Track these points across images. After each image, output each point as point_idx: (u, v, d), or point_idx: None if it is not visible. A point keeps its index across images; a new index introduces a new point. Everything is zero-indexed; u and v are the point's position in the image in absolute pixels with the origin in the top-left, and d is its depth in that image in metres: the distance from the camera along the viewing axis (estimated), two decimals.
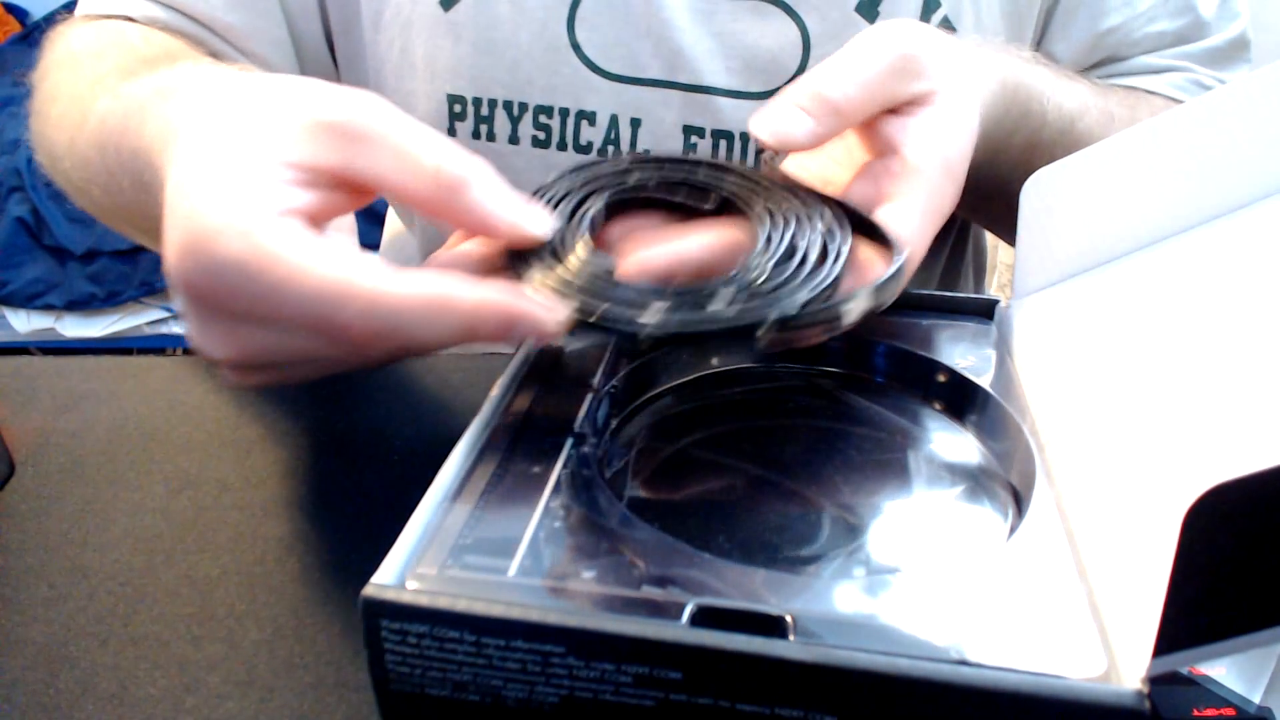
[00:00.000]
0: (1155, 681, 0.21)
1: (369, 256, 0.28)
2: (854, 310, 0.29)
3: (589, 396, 0.32)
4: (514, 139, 0.54)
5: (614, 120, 0.53)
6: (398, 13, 0.53)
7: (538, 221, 0.31)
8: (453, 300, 0.27)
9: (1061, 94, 0.46)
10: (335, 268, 0.27)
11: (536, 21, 0.52)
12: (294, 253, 0.27)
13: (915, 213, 0.33)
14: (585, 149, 0.54)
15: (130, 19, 0.52)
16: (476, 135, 0.54)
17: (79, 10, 0.54)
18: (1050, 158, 0.37)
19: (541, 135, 0.54)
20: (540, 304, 0.28)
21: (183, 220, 0.28)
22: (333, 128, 0.29)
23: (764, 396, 0.36)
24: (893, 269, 0.30)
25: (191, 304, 0.29)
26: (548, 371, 0.34)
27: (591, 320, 0.28)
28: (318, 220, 0.30)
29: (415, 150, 0.29)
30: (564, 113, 0.53)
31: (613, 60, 0.52)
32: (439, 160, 0.29)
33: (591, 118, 0.53)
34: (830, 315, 0.29)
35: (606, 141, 0.54)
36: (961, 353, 0.35)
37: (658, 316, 0.28)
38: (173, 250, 0.28)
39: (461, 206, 0.30)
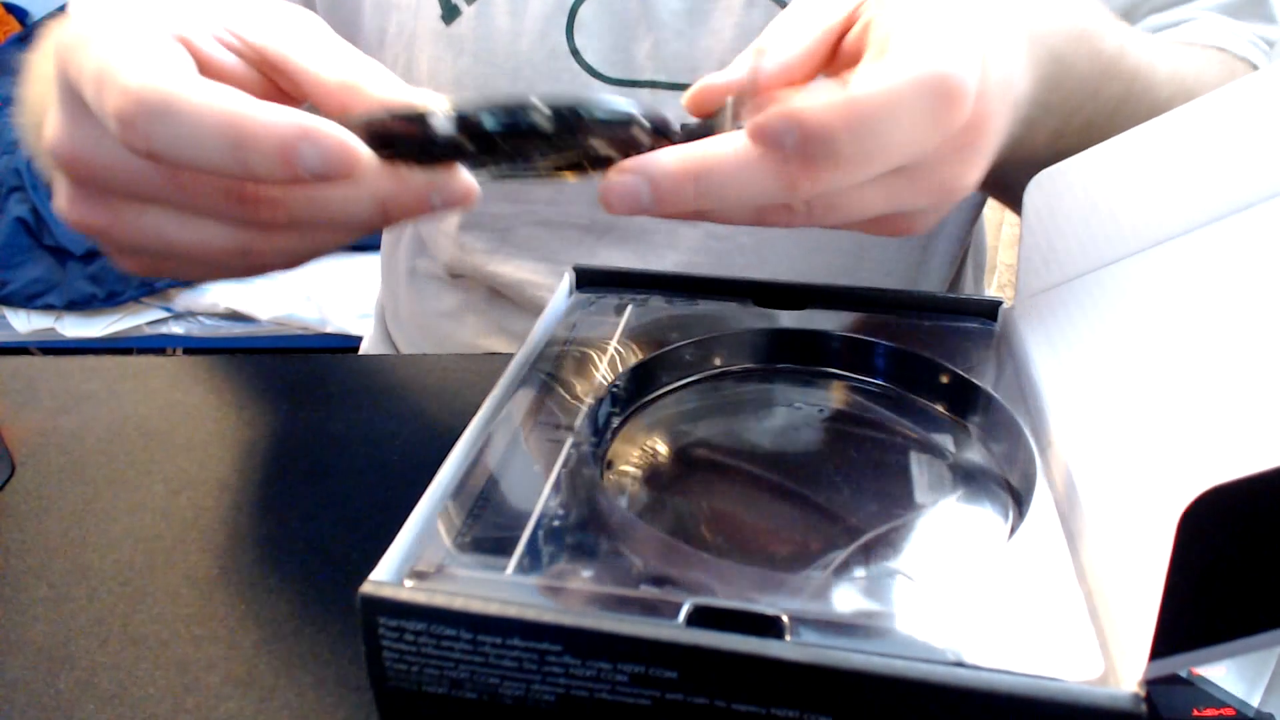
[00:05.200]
0: (1153, 683, 0.21)
1: (218, 85, 0.27)
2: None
3: (590, 395, 0.32)
4: None
5: None
6: (400, 30, 0.54)
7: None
8: (244, 118, 0.26)
9: (1113, 24, 0.44)
10: (159, 76, 0.26)
11: (536, 30, 0.52)
12: (139, 59, 0.27)
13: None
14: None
15: None
16: None
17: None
18: (1107, 91, 0.36)
19: None
20: (334, 130, 0.26)
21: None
22: (275, 15, 0.31)
23: (764, 396, 0.36)
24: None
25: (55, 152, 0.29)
26: (548, 371, 0.34)
27: (387, 121, 0.28)
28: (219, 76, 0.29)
29: (336, 53, 0.31)
30: None
31: (612, 65, 0.53)
32: (348, 63, 0.30)
33: None
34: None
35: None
36: (964, 354, 0.35)
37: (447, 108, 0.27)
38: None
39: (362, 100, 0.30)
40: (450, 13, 0.53)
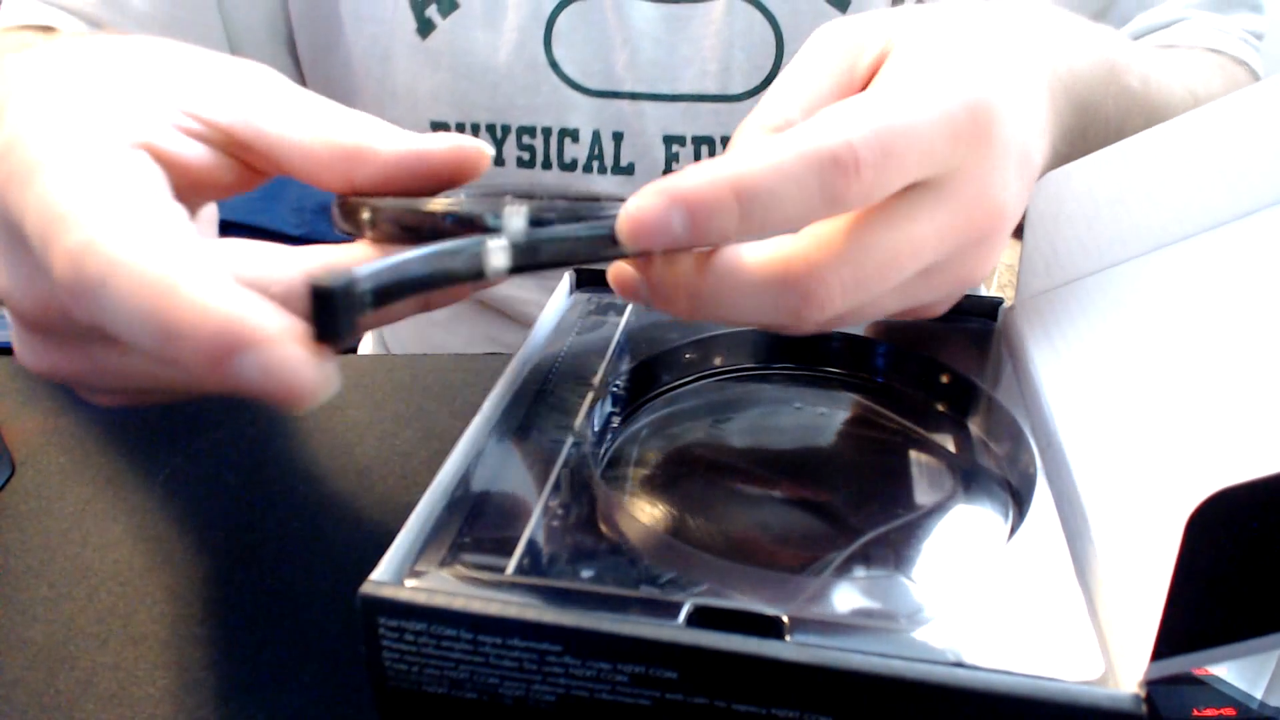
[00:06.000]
0: (1153, 683, 0.21)
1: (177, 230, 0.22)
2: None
3: (590, 395, 0.32)
4: (499, 161, 0.54)
5: (596, 136, 0.53)
6: (374, 43, 0.53)
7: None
8: (174, 303, 0.19)
9: (1136, 53, 0.43)
10: (107, 233, 0.21)
11: (513, 43, 0.52)
12: (89, 204, 0.21)
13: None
14: (569, 166, 0.54)
15: (49, 28, 0.48)
16: None
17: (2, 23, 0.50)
18: (1131, 127, 0.34)
19: (526, 155, 0.54)
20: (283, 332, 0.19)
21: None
22: (233, 82, 0.26)
23: (764, 397, 0.36)
24: None
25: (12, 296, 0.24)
26: (548, 370, 0.34)
27: (442, 222, 0.24)
28: (197, 183, 0.25)
29: (318, 116, 0.26)
30: (546, 132, 0.53)
31: (591, 76, 0.52)
32: (336, 125, 0.26)
33: (574, 135, 0.53)
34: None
35: (590, 157, 0.54)
36: (964, 354, 0.35)
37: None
38: None
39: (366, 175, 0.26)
40: (425, 26, 0.52)
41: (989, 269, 0.29)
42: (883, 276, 0.26)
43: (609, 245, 0.24)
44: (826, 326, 0.27)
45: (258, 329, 0.19)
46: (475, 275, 0.23)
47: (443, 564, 0.24)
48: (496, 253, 0.23)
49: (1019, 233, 0.37)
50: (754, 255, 0.26)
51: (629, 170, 0.54)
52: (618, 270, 0.28)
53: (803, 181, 0.23)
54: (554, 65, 0.52)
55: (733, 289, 0.25)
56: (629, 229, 0.23)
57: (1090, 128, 0.38)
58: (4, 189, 0.23)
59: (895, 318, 0.30)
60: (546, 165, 0.54)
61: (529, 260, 0.24)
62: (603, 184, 0.54)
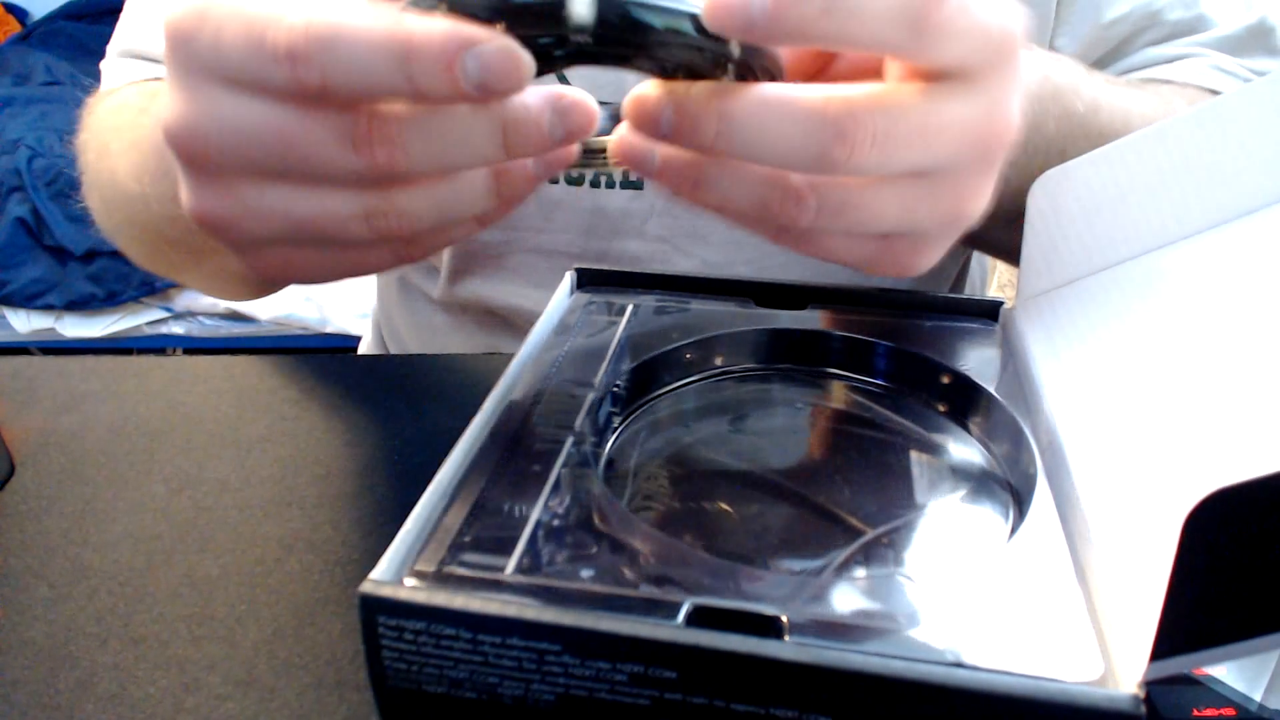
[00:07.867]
0: (1153, 683, 0.21)
1: None
2: None
3: (590, 395, 0.32)
4: None
5: None
6: None
7: None
8: (408, 33, 0.24)
9: (1086, 81, 0.44)
10: (319, 10, 0.25)
11: None
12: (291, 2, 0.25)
13: None
14: (577, 181, 0.53)
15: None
16: None
17: (104, 86, 0.53)
18: (1075, 150, 0.36)
19: None
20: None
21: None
22: None
23: (764, 396, 0.36)
24: None
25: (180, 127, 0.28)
26: (548, 370, 0.34)
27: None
28: None
29: None
30: None
31: (600, 89, 0.52)
32: None
33: None
34: None
35: (599, 173, 0.53)
36: (965, 354, 0.35)
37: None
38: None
39: None
40: None
41: (982, 199, 0.30)
42: (909, 143, 0.26)
43: (690, 27, 0.25)
44: (826, 212, 0.28)
45: (474, 33, 0.24)
46: (554, 21, 0.25)
47: (443, 564, 0.24)
48: (580, 3, 0.25)
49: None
50: (792, 89, 0.26)
51: (638, 185, 0.53)
52: (639, 95, 0.28)
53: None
54: (562, 79, 0.52)
55: (767, 116, 0.26)
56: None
57: (1031, 140, 0.39)
58: (183, 38, 0.27)
59: (878, 261, 0.30)
60: (553, 180, 0.54)
61: (608, 12, 0.25)
62: (612, 198, 0.53)
